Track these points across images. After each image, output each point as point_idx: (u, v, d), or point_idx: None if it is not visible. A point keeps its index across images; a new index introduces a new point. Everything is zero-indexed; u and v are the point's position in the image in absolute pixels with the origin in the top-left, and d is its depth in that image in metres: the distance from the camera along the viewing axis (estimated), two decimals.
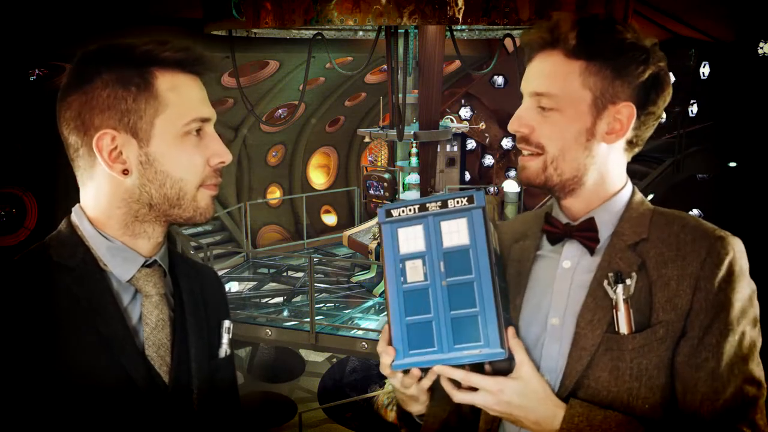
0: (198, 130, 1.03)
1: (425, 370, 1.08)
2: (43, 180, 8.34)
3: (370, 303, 7.70)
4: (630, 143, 1.15)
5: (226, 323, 1.17)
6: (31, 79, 7.65)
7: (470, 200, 1.07)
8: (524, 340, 1.10)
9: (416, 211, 1.09)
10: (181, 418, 1.03)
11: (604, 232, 1.12)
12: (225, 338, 1.16)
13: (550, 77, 1.08)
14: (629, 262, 1.08)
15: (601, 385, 1.06)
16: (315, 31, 7.21)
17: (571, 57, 1.07)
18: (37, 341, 0.92)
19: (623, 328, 1.05)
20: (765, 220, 7.53)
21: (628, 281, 1.05)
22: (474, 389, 1.05)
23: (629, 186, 1.18)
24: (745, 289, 1.04)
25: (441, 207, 1.08)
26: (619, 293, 1.05)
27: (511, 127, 1.13)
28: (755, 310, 1.05)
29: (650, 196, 10.07)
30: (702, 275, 1.03)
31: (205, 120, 1.04)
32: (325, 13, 5.69)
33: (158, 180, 1.01)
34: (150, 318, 1.02)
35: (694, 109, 11.32)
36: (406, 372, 1.08)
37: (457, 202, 1.08)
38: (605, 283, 1.07)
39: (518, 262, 1.22)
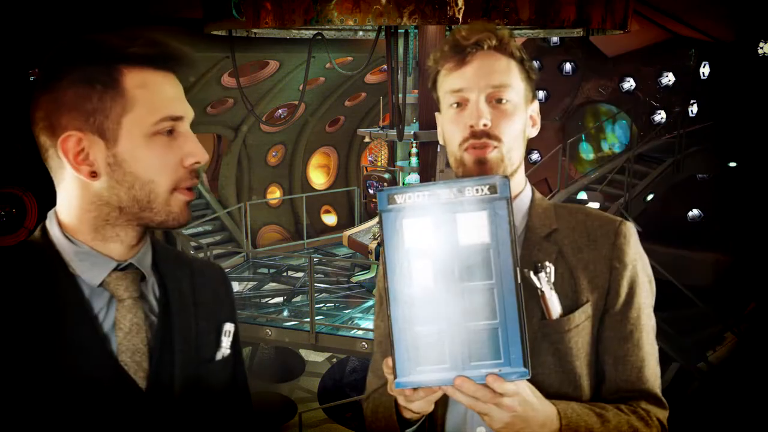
0: (170, 130, 0.98)
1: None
2: (43, 180, 8.32)
3: (370, 303, 7.70)
4: None
5: (227, 326, 1.12)
6: (31, 79, 7.65)
7: (492, 189, 0.90)
8: None
9: (426, 198, 0.91)
10: (159, 423, 0.99)
11: (519, 226, 1.21)
12: (224, 341, 1.11)
13: (502, 71, 1.17)
14: (547, 252, 1.17)
15: (549, 369, 1.14)
16: (315, 31, 7.21)
17: (510, 57, 1.18)
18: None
19: (555, 313, 1.13)
20: (765, 220, 7.53)
21: (547, 265, 1.14)
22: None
23: (529, 185, 1.28)
24: (648, 268, 1.19)
25: (457, 195, 0.91)
26: (543, 281, 1.13)
27: (478, 122, 1.14)
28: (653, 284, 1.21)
29: (650, 196, 10.07)
30: (614, 256, 1.16)
31: (177, 118, 0.98)
32: (325, 13, 5.69)
33: (127, 182, 0.96)
34: (123, 323, 0.98)
35: (694, 109, 11.32)
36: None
37: (477, 191, 0.91)
38: (531, 274, 1.14)
39: None
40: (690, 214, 11.57)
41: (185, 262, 1.15)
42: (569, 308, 1.14)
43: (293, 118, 11.13)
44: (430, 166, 8.15)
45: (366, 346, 6.55)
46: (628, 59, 11.82)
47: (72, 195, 0.98)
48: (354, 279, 8.62)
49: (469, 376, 0.89)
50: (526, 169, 1.29)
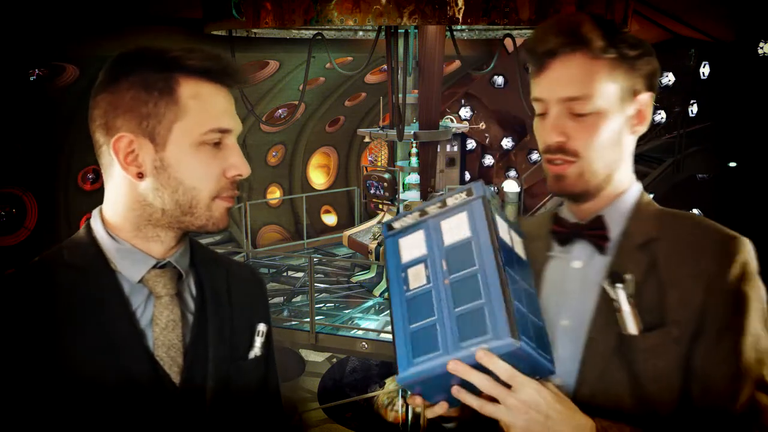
0: (217, 142, 1.02)
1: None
2: (43, 180, 8.34)
3: (370, 303, 7.70)
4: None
5: (260, 327, 1.16)
6: (31, 79, 7.65)
7: (469, 193, 1.02)
8: None
9: (417, 217, 1.05)
10: (192, 419, 1.03)
11: (614, 230, 1.11)
12: (257, 341, 1.15)
13: (582, 80, 1.05)
14: (638, 263, 1.05)
15: (622, 387, 1.03)
16: (315, 31, 7.21)
17: (596, 57, 1.05)
18: (41, 339, 0.93)
19: (631, 329, 1.02)
20: (765, 220, 7.53)
21: (627, 278, 1.03)
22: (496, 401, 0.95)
23: (638, 185, 1.17)
24: (758, 291, 1.01)
25: (441, 207, 1.04)
26: (619, 293, 1.03)
27: (552, 137, 1.07)
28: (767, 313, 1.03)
29: (650, 196, 10.06)
30: (715, 274, 1.00)
31: (225, 131, 1.03)
32: (325, 13, 5.69)
33: (171, 186, 1.01)
34: (160, 319, 1.03)
35: (694, 109, 11.32)
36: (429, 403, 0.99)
37: (456, 198, 1.03)
38: (606, 284, 1.05)
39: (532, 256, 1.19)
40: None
41: (222, 263, 1.19)
42: (651, 326, 1.02)
43: (293, 118, 11.13)
44: (430, 166, 8.15)
45: (366, 346, 6.55)
46: None
47: (119, 193, 1.03)
48: (354, 279, 8.63)
49: (460, 356, 0.91)
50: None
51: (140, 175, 1.00)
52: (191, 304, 1.09)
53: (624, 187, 1.14)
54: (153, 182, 1.00)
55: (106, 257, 1.02)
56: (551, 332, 1.09)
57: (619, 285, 1.04)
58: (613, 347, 1.04)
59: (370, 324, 7.18)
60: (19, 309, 0.94)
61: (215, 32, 7.09)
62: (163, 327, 1.02)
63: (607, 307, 1.06)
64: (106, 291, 1.00)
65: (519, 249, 1.08)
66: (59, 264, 1.01)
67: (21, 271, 1.00)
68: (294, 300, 8.13)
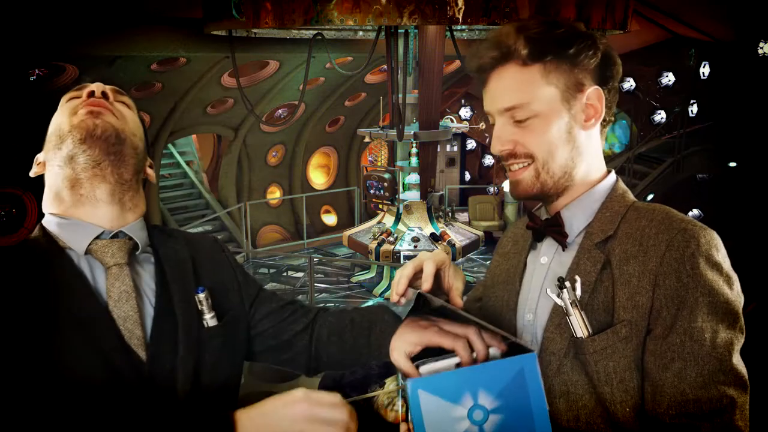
0: (74, 97, 1.12)
1: None
2: (43, 180, 8.31)
3: (370, 303, 7.70)
4: (603, 122, 1.15)
5: (199, 296, 1.11)
6: (31, 79, 7.65)
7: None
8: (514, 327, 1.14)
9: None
10: (163, 387, 1.02)
11: (577, 226, 1.12)
12: (205, 310, 1.11)
13: (515, 89, 1.08)
14: (595, 261, 1.06)
15: (581, 388, 1.04)
16: (315, 31, 7.20)
17: (527, 64, 1.07)
18: (11, 329, 0.92)
19: (578, 332, 1.03)
20: (765, 220, 7.53)
21: (568, 284, 1.04)
22: None
23: (611, 178, 1.16)
24: (712, 285, 0.98)
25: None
26: (565, 298, 1.04)
27: (495, 149, 1.12)
28: (731, 306, 0.99)
29: (650, 196, 10.07)
30: (661, 271, 0.99)
31: (79, 88, 1.13)
32: (325, 13, 5.69)
33: (50, 143, 1.09)
34: (112, 290, 1.02)
35: (694, 109, 11.31)
36: None
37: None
38: (547, 291, 1.07)
39: (511, 258, 1.24)
40: (690, 214, 11.57)
41: (179, 235, 1.21)
42: (604, 327, 1.02)
43: (293, 118, 11.12)
44: (430, 166, 8.16)
45: None
46: (628, 59, 11.81)
47: (47, 189, 1.13)
48: (354, 279, 8.63)
49: None
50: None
51: (40, 164, 1.13)
52: (150, 280, 1.09)
53: (592, 181, 1.14)
54: (44, 152, 1.11)
55: (52, 236, 1.05)
56: (518, 324, 1.13)
57: (564, 291, 1.04)
58: (566, 348, 1.05)
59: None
60: None
61: (215, 32, 7.09)
62: (116, 299, 1.02)
63: (561, 308, 1.07)
64: (64, 270, 1.01)
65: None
66: (19, 256, 1.02)
67: None
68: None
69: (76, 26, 6.89)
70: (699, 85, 11.15)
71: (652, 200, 10.18)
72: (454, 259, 7.55)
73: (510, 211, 11.40)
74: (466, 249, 7.76)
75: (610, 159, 11.67)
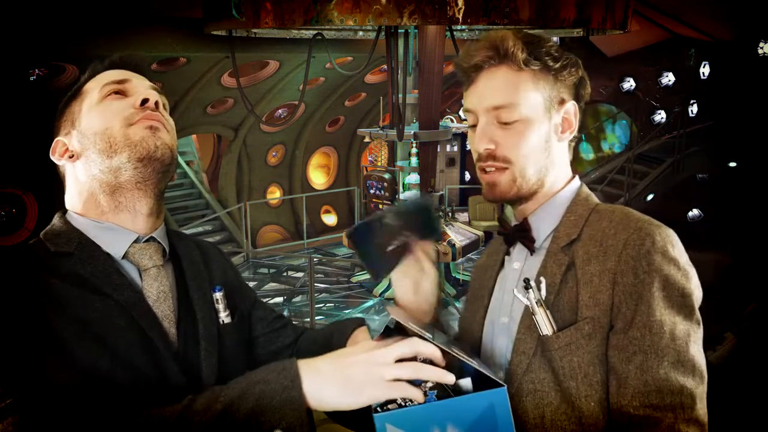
0: (118, 92, 1.09)
1: None
2: (43, 180, 8.33)
3: (370, 303, 7.70)
4: (573, 137, 1.21)
5: (216, 295, 1.16)
6: (31, 79, 7.65)
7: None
8: (484, 336, 1.19)
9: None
10: (191, 380, 1.04)
11: (544, 231, 1.17)
12: (221, 308, 1.15)
13: (507, 89, 1.11)
14: (560, 264, 1.11)
15: (547, 386, 1.09)
16: (315, 31, 7.20)
17: (520, 69, 1.12)
18: (50, 320, 0.92)
19: (544, 330, 1.08)
20: (765, 220, 7.53)
21: (531, 284, 1.09)
22: None
23: (575, 182, 1.21)
24: (668, 279, 1.03)
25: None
26: (530, 298, 1.09)
27: (479, 146, 1.14)
28: (687, 299, 1.04)
29: (650, 196, 10.07)
30: (619, 269, 1.04)
31: (121, 81, 1.11)
32: (325, 13, 5.69)
33: (90, 140, 1.06)
34: (150, 291, 1.05)
35: (694, 109, 11.31)
36: None
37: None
38: (514, 291, 1.12)
39: (487, 270, 1.29)
40: (690, 214, 11.56)
41: (190, 239, 1.25)
42: (567, 325, 1.07)
43: (293, 118, 11.13)
44: (430, 166, 8.15)
45: None
46: (628, 59, 11.81)
47: (71, 187, 1.13)
48: (354, 279, 8.63)
49: None
50: None
51: (71, 157, 1.08)
52: (173, 280, 1.12)
53: (557, 188, 1.19)
54: (78, 144, 1.07)
55: (90, 239, 1.05)
56: (494, 328, 1.18)
57: (529, 291, 1.09)
58: (535, 347, 1.10)
59: (370, 324, 7.17)
60: (17, 299, 0.92)
61: (215, 32, 7.09)
62: (155, 299, 1.05)
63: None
64: (102, 267, 1.02)
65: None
66: (47, 254, 1.02)
67: (7, 263, 0.99)
68: (294, 300, 8.13)
69: (76, 26, 6.89)
70: (699, 85, 11.15)
71: (652, 200, 10.19)
72: (454, 258, 7.56)
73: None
74: (466, 249, 7.76)
75: (610, 159, 11.68)
